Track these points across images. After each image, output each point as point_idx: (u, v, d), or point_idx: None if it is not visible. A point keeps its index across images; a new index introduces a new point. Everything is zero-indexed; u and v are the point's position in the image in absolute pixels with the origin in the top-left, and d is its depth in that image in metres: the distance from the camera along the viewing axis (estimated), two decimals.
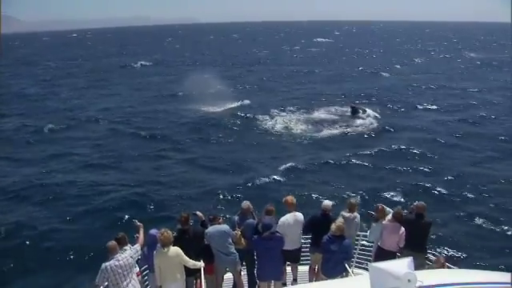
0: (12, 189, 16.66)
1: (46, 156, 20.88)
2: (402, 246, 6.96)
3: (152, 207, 14.83)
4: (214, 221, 6.61)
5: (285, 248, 6.59)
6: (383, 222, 7.06)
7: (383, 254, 6.86)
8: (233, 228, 6.78)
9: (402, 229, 6.93)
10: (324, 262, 6.51)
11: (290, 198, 7.05)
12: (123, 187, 16.66)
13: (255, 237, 6.36)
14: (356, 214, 7.38)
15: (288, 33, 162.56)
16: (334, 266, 6.34)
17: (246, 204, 7.09)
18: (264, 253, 6.28)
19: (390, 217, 7.15)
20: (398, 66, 53.24)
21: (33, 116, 29.56)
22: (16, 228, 13.44)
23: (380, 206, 7.38)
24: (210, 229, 6.54)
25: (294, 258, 7.10)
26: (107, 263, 5.86)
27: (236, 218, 7.12)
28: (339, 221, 6.47)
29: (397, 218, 6.94)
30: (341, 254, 6.28)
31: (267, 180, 16.93)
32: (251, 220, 6.92)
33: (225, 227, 6.57)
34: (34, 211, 14.82)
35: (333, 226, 6.30)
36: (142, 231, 6.68)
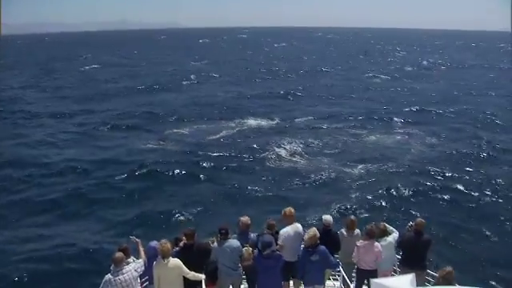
0: None
1: None
2: (379, 261, 6.83)
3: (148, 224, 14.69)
4: (225, 236, 6.46)
5: (287, 260, 6.54)
6: (357, 243, 6.90)
7: (362, 273, 6.89)
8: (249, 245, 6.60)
9: (378, 246, 6.81)
10: (305, 274, 6.44)
11: (289, 210, 7.01)
12: (118, 207, 16.52)
13: (256, 253, 6.31)
14: (357, 230, 7.38)
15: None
16: (315, 275, 6.37)
17: (245, 219, 6.90)
18: (264, 270, 6.21)
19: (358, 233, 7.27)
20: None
21: None
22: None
23: (382, 225, 7.28)
24: (221, 244, 6.42)
25: (296, 270, 6.98)
26: (111, 276, 5.78)
27: (253, 235, 6.85)
28: (312, 230, 6.30)
29: (370, 235, 6.79)
30: (322, 262, 6.27)
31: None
32: (254, 236, 6.83)
33: (236, 243, 6.48)
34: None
35: (306, 237, 6.09)
36: (140, 247, 6.58)
